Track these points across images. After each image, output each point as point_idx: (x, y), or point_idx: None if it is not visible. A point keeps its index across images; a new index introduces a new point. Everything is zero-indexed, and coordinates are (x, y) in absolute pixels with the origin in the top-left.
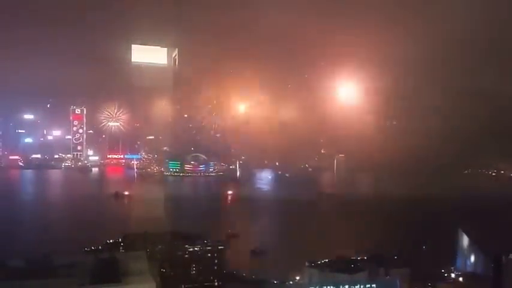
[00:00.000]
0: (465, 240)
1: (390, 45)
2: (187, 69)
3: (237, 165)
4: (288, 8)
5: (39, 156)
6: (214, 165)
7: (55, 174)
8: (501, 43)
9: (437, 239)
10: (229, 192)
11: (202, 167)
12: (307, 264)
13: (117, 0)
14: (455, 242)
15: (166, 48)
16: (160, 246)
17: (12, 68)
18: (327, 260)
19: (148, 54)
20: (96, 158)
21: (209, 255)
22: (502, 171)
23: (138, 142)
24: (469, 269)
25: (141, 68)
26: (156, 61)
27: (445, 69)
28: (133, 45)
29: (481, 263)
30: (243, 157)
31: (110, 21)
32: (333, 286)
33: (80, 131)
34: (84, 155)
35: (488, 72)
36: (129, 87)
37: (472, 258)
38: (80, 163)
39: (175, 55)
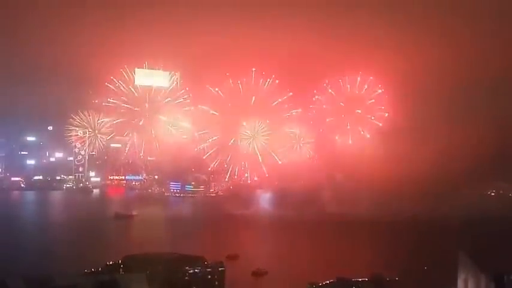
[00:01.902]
0: (466, 261)
1: (402, 66)
2: (189, 92)
3: (238, 185)
4: (289, 29)
5: (41, 177)
6: (215, 185)
7: (56, 196)
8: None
9: (438, 260)
10: (230, 212)
11: (202, 188)
12: (308, 286)
13: (122, 26)
14: (456, 262)
15: (168, 72)
16: (160, 268)
17: (15, 90)
18: (327, 282)
19: (151, 77)
20: (98, 179)
21: (209, 277)
22: (501, 191)
23: (140, 163)
24: None
25: (144, 91)
26: (159, 84)
27: (451, 93)
28: (136, 69)
29: (482, 283)
30: (243, 177)
31: (114, 46)
32: None
33: (82, 152)
34: (86, 176)
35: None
36: (131, 109)
37: (473, 279)
38: (81, 184)
39: (178, 78)
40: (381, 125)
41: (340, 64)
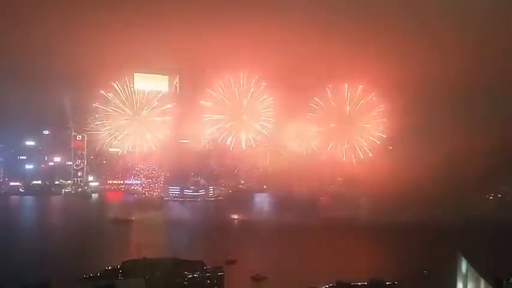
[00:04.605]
0: (465, 265)
1: (403, 66)
2: (188, 96)
3: (237, 190)
4: (296, 35)
5: (39, 182)
6: (214, 189)
7: (55, 200)
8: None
9: (438, 264)
10: (229, 217)
11: (201, 192)
12: None
13: (120, 30)
14: (455, 266)
15: (167, 76)
16: (159, 273)
17: (13, 95)
18: (327, 286)
19: (150, 82)
20: (96, 183)
21: (208, 281)
22: (500, 195)
23: (138, 167)
24: None
25: (143, 95)
26: (158, 88)
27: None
28: (135, 73)
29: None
30: (242, 181)
31: (113, 50)
32: None
33: (81, 157)
34: (85, 180)
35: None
36: (130, 114)
37: (473, 283)
38: (80, 189)
39: (177, 82)
40: (383, 134)
41: (335, 70)
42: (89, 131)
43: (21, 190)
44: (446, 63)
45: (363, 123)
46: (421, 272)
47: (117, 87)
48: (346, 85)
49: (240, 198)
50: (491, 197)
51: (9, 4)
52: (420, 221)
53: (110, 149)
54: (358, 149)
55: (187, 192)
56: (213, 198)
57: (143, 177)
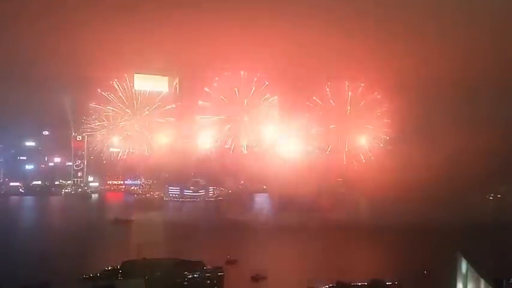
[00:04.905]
0: (465, 265)
1: (404, 67)
2: (188, 97)
3: (237, 190)
4: (295, 34)
5: (39, 182)
6: (214, 190)
7: (55, 201)
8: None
9: (438, 264)
10: (228, 217)
11: (201, 192)
12: None
13: (120, 31)
14: (455, 266)
15: (167, 77)
16: (159, 274)
17: (13, 96)
18: (327, 286)
19: (150, 83)
20: (96, 184)
21: (208, 282)
22: (500, 195)
23: (138, 168)
24: None
25: (143, 96)
26: (158, 89)
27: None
28: (135, 74)
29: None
30: (242, 182)
31: (113, 51)
32: None
33: (81, 157)
34: (85, 181)
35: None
36: (130, 114)
37: (473, 283)
38: (80, 189)
39: (177, 83)
40: (384, 135)
41: (337, 70)
42: (89, 131)
43: (21, 190)
44: (448, 63)
45: (363, 123)
46: (421, 272)
47: (117, 88)
48: (346, 83)
49: (240, 199)
50: (491, 197)
51: (9, 4)
52: (420, 221)
53: (110, 150)
54: (358, 149)
55: (187, 192)
56: (213, 199)
57: (143, 177)
